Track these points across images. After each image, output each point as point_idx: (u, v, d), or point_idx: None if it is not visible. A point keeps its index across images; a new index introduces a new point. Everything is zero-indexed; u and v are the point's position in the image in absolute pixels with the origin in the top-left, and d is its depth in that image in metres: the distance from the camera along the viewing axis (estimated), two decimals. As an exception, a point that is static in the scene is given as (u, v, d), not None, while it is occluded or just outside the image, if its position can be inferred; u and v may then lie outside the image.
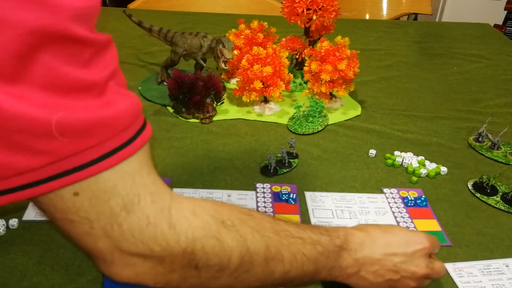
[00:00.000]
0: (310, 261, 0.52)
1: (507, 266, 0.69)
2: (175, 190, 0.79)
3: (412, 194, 0.83)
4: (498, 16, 2.48)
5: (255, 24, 1.14)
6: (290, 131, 1.00)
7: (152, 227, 0.40)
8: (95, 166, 0.36)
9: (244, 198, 0.80)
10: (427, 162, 0.91)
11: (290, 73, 1.06)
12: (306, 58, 1.11)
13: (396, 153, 0.94)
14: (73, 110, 0.34)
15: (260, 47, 1.03)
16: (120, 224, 0.39)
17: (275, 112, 1.07)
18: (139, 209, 0.39)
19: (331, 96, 1.10)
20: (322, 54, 1.04)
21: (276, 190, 0.81)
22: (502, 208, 0.81)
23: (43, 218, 0.71)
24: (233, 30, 1.16)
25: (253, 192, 0.81)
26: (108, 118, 0.36)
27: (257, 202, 0.79)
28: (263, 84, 1.00)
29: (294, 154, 0.91)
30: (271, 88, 1.01)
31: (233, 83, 1.16)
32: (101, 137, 0.36)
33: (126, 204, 0.39)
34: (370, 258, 0.56)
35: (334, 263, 0.55)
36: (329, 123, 1.04)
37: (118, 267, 0.41)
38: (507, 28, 2.43)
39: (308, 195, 0.81)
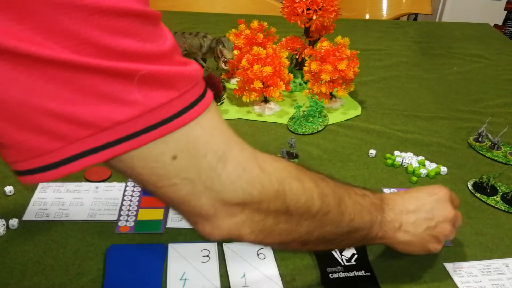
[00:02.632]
0: (366, 210, 0.56)
1: (507, 266, 0.69)
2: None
3: (412, 194, 0.83)
4: (498, 16, 2.48)
5: (255, 24, 1.14)
6: (290, 131, 1.00)
7: (247, 172, 0.43)
8: (183, 117, 0.39)
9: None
10: (427, 162, 0.91)
11: (290, 73, 1.06)
12: (306, 58, 1.11)
13: (396, 153, 0.94)
14: (153, 67, 0.37)
15: (260, 47, 1.03)
16: (219, 175, 0.42)
17: (275, 112, 1.07)
18: (232, 158, 0.42)
19: (331, 96, 1.10)
20: (322, 54, 1.04)
21: (276, 190, 0.81)
22: (502, 208, 0.81)
23: (43, 218, 0.72)
24: (233, 30, 1.16)
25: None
26: (184, 72, 0.39)
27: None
28: (263, 84, 1.00)
29: (294, 154, 0.91)
30: (271, 88, 1.01)
31: (233, 83, 1.16)
32: (182, 88, 0.39)
33: (220, 156, 0.42)
34: (406, 210, 0.61)
35: (382, 215, 0.58)
36: (329, 123, 1.04)
37: (220, 220, 0.44)
38: (507, 28, 2.43)
39: (308, 195, 0.81)
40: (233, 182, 0.43)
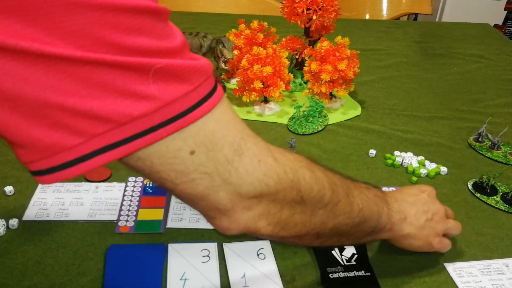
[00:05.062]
0: (372, 201, 0.57)
1: (507, 266, 0.69)
2: (175, 190, 0.79)
3: (412, 194, 0.83)
4: (498, 16, 2.48)
5: (255, 24, 1.14)
6: (290, 131, 1.00)
7: (262, 163, 0.44)
8: (197, 110, 0.39)
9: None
10: (427, 162, 0.91)
11: (290, 73, 1.06)
12: (306, 58, 1.11)
13: (396, 153, 0.94)
14: (167, 61, 0.37)
15: (260, 47, 1.03)
16: (236, 168, 0.42)
17: (275, 112, 1.07)
18: (247, 150, 0.43)
19: (331, 96, 1.09)
20: (322, 54, 1.04)
21: (276, 190, 0.81)
22: (502, 208, 0.81)
23: (43, 218, 0.72)
24: (233, 30, 1.16)
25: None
26: (196, 66, 0.39)
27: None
28: (263, 84, 1.00)
29: (294, 154, 0.91)
30: (271, 88, 1.01)
31: (233, 83, 1.16)
32: (195, 81, 0.39)
33: (236, 149, 0.42)
34: (406, 203, 0.64)
35: (388, 207, 0.60)
36: (329, 123, 1.04)
37: (237, 213, 0.44)
38: (507, 28, 2.43)
39: (308, 195, 0.81)
40: (250, 174, 0.43)
